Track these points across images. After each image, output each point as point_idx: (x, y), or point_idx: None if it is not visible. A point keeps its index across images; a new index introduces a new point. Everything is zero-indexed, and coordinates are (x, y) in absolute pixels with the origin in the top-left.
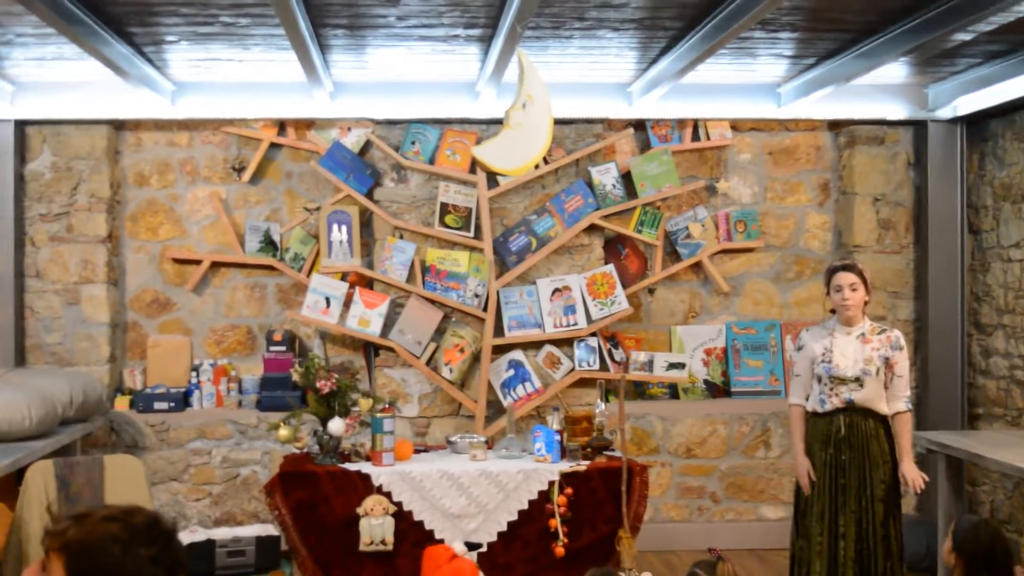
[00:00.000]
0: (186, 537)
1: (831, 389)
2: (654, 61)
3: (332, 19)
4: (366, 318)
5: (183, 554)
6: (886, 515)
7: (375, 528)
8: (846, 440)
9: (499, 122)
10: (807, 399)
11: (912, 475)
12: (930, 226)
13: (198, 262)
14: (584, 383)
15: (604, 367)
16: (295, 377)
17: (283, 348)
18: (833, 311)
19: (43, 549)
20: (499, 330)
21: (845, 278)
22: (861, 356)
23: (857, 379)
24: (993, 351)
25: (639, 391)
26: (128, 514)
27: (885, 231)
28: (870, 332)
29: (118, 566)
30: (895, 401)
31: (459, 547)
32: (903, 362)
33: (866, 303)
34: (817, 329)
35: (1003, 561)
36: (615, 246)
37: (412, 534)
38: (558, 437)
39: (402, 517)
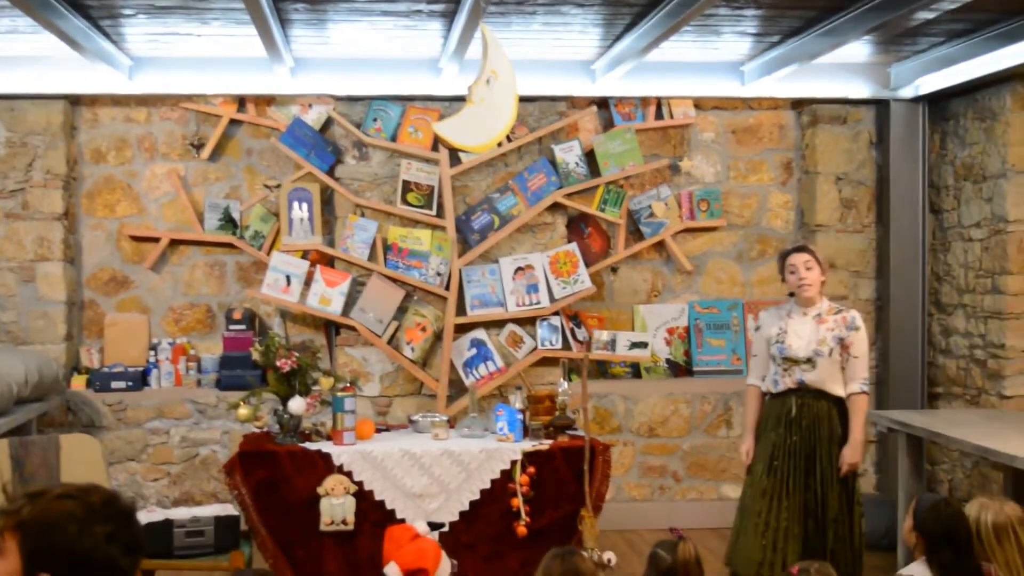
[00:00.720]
0: (144, 517)
1: (784, 370)
2: (618, 38)
3: None
4: (327, 296)
5: (141, 533)
6: (838, 497)
7: (336, 508)
8: (797, 421)
9: (462, 99)
10: (763, 380)
11: (847, 458)
12: (892, 206)
13: (156, 240)
14: (547, 362)
15: (567, 346)
16: (255, 356)
17: (243, 327)
18: (792, 294)
19: None
20: (461, 309)
21: (799, 258)
22: (815, 337)
23: (809, 360)
24: (953, 330)
25: (601, 370)
26: (84, 492)
27: (847, 210)
28: (827, 312)
29: (74, 544)
30: (851, 383)
31: (421, 527)
32: (859, 343)
33: (822, 283)
34: (775, 310)
35: (964, 539)
36: (578, 225)
37: (373, 514)
38: (520, 416)
39: (363, 497)
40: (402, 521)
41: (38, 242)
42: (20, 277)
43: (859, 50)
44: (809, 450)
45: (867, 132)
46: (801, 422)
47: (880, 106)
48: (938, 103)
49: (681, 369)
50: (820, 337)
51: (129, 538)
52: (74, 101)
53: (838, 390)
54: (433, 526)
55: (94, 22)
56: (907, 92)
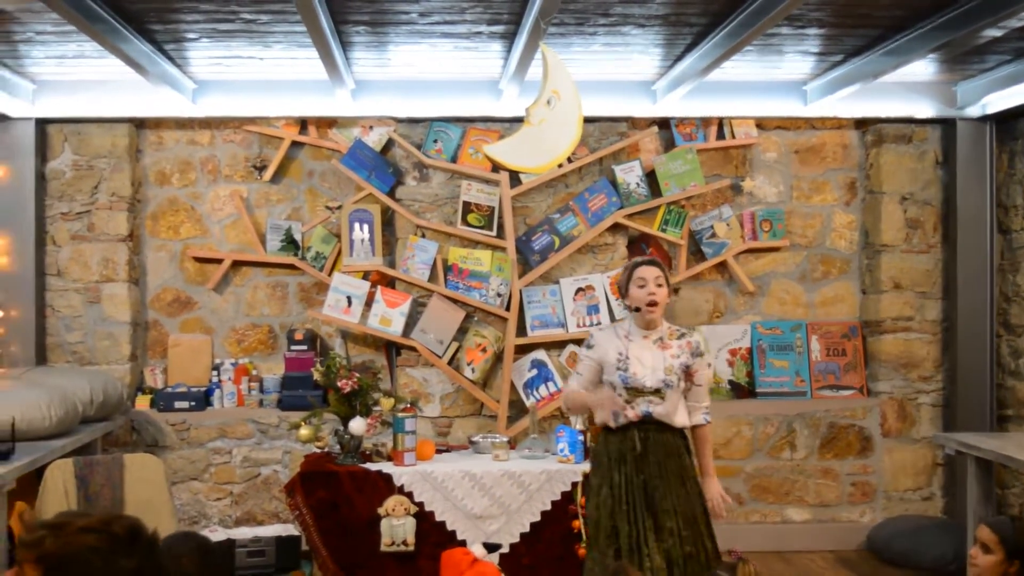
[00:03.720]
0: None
1: (627, 401)
2: (679, 58)
3: (353, 16)
4: (388, 317)
5: (182, 561)
6: (701, 532)
7: (396, 528)
8: (643, 457)
9: (522, 120)
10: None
11: (717, 497)
12: (959, 225)
13: (219, 261)
14: None
15: None
16: (316, 376)
17: (304, 347)
18: (637, 309)
19: (18, 560)
20: (522, 330)
21: (650, 272)
22: (661, 364)
23: (657, 391)
24: (1022, 352)
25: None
26: (106, 523)
27: (913, 230)
28: (668, 336)
29: None
30: (695, 413)
31: (478, 550)
32: (703, 370)
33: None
34: (610, 330)
35: None
36: (639, 245)
37: (434, 535)
38: (581, 437)
39: (424, 517)
40: (463, 543)
41: (103, 263)
42: (86, 298)
43: (924, 68)
44: (657, 488)
45: (933, 151)
46: (648, 458)
47: (946, 125)
48: (1006, 122)
49: (744, 390)
50: (667, 365)
51: (154, 571)
52: (139, 124)
53: (682, 421)
54: (490, 548)
55: (159, 46)
56: (974, 111)
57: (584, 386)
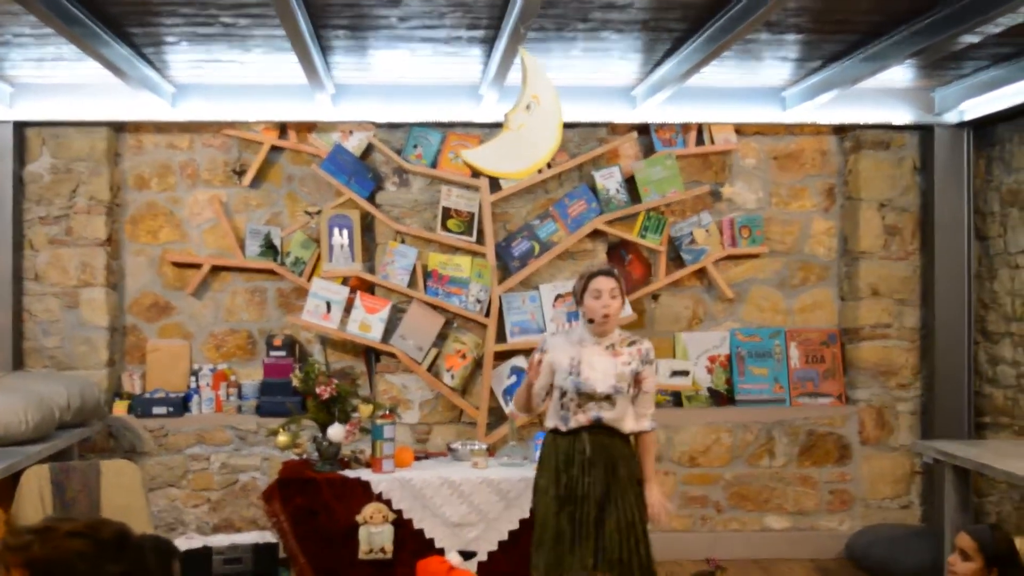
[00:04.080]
0: (182, 544)
1: (578, 406)
2: (658, 64)
3: (333, 20)
4: (367, 323)
5: (164, 564)
6: (638, 539)
7: (374, 536)
8: (591, 461)
9: (502, 125)
10: (543, 399)
11: (659, 504)
12: (936, 232)
13: (198, 266)
14: None
15: None
16: (295, 382)
17: (283, 353)
18: (591, 320)
19: (3, 565)
20: (501, 336)
21: (606, 283)
22: (612, 371)
23: (608, 397)
24: (1000, 359)
25: None
26: (94, 528)
27: (891, 237)
28: (620, 343)
29: None
30: (641, 419)
31: (454, 558)
32: (651, 377)
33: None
34: (563, 335)
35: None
36: (619, 251)
37: (412, 542)
38: None
39: (402, 525)
40: (441, 551)
41: (81, 268)
42: (63, 303)
43: (902, 75)
44: (604, 492)
45: (911, 158)
46: (596, 462)
47: (924, 131)
48: (983, 128)
49: (723, 398)
50: (618, 372)
51: (142, 574)
52: (118, 128)
53: (629, 426)
54: (465, 555)
55: (137, 50)
56: (951, 117)
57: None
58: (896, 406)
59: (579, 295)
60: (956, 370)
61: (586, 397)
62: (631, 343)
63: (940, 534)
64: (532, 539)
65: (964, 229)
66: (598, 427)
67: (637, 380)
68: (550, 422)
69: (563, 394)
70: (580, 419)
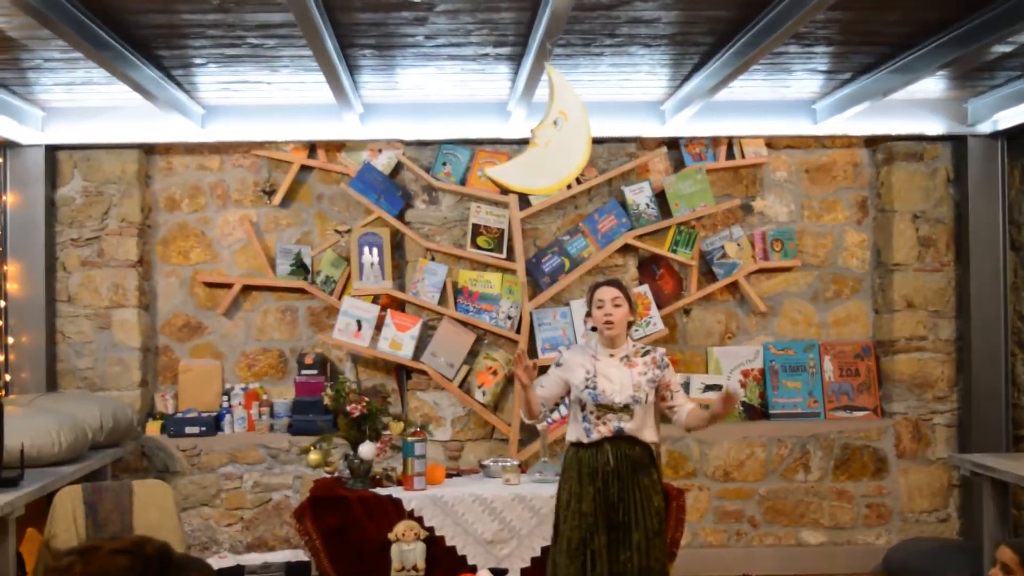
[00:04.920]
0: (215, 563)
1: (598, 417)
2: (687, 78)
3: (360, 39)
4: (398, 341)
5: None
6: (660, 548)
7: (406, 554)
8: (615, 472)
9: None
10: (552, 410)
11: (724, 394)
12: (971, 243)
13: (229, 286)
14: None
15: None
16: (326, 401)
17: (315, 371)
18: (595, 329)
19: None
20: (532, 352)
21: (608, 292)
22: (629, 382)
23: (626, 407)
24: None
25: None
26: (138, 545)
27: (925, 249)
28: (634, 354)
29: None
30: (687, 404)
31: (485, 575)
32: (673, 376)
33: (631, 324)
34: (578, 348)
35: None
36: (649, 266)
37: (444, 560)
38: None
39: (434, 542)
40: (473, 568)
41: (113, 289)
42: (96, 324)
43: (934, 85)
44: (627, 501)
45: (944, 169)
46: (620, 472)
47: (957, 142)
48: (1018, 138)
49: (756, 412)
50: (635, 382)
51: None
52: (148, 150)
53: (650, 436)
54: (496, 573)
55: (166, 72)
56: (985, 127)
57: (545, 397)
58: (932, 419)
59: (589, 306)
60: (993, 382)
61: (605, 409)
62: (644, 353)
63: (979, 547)
64: (550, 552)
65: (999, 240)
66: (620, 437)
67: (663, 385)
68: (572, 435)
69: (583, 407)
70: (602, 430)
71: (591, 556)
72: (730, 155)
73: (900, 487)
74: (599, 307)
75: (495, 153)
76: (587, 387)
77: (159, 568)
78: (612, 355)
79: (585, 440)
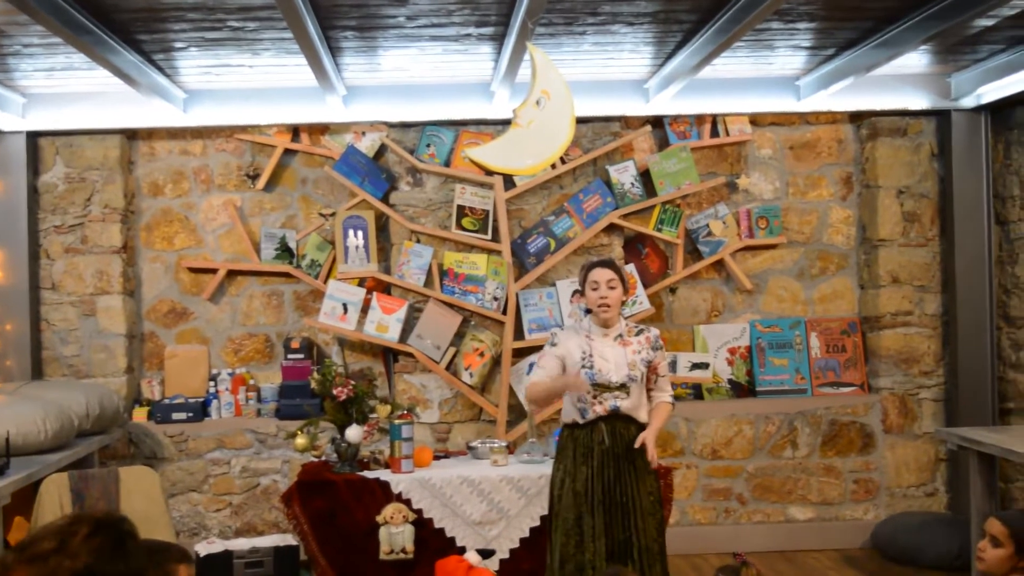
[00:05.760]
0: (203, 548)
1: (594, 397)
2: (670, 56)
3: (341, 21)
4: (384, 324)
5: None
6: (656, 527)
7: (395, 536)
8: (610, 451)
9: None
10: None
11: (649, 448)
12: (956, 218)
13: (214, 271)
14: None
15: None
16: (313, 385)
17: (301, 356)
18: (589, 311)
19: None
20: (519, 333)
21: (602, 274)
22: (624, 360)
23: (623, 386)
24: (1023, 344)
25: None
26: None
27: (910, 224)
28: (628, 333)
29: None
30: (662, 394)
31: (473, 557)
32: (664, 361)
33: (623, 303)
34: (571, 330)
35: None
36: (635, 245)
37: (433, 542)
38: None
39: (422, 525)
40: (462, 549)
41: (97, 276)
42: (80, 311)
43: (917, 60)
44: (626, 481)
45: (928, 144)
46: (615, 451)
47: (941, 117)
48: (1001, 112)
49: (744, 389)
50: (630, 361)
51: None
52: (130, 135)
53: (644, 416)
54: (484, 554)
55: (147, 57)
56: (968, 102)
57: (544, 378)
58: (919, 393)
59: (582, 286)
60: (979, 356)
61: (602, 388)
62: (638, 332)
63: (966, 521)
64: (548, 533)
65: (984, 214)
66: (616, 417)
67: (652, 367)
68: (567, 417)
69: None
70: (598, 410)
71: (590, 534)
72: (714, 133)
73: (887, 462)
74: (594, 288)
75: (479, 134)
76: (583, 367)
77: (113, 538)
78: (606, 335)
79: (581, 421)
